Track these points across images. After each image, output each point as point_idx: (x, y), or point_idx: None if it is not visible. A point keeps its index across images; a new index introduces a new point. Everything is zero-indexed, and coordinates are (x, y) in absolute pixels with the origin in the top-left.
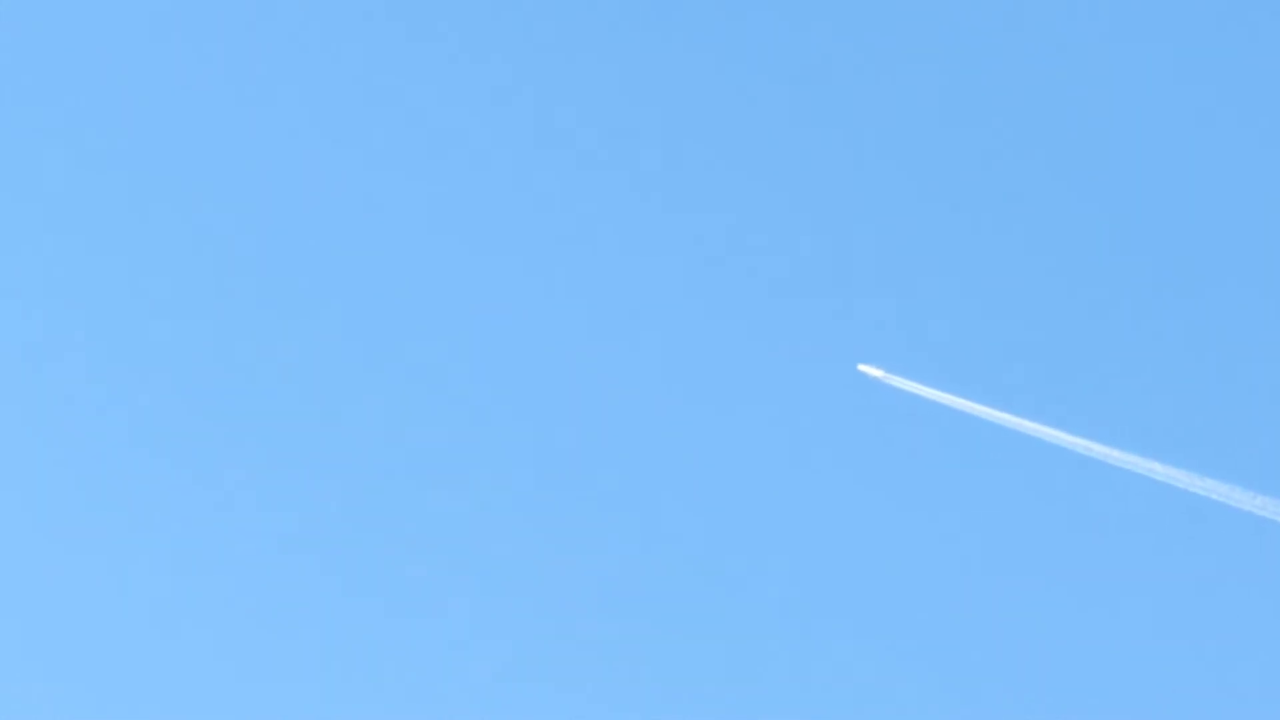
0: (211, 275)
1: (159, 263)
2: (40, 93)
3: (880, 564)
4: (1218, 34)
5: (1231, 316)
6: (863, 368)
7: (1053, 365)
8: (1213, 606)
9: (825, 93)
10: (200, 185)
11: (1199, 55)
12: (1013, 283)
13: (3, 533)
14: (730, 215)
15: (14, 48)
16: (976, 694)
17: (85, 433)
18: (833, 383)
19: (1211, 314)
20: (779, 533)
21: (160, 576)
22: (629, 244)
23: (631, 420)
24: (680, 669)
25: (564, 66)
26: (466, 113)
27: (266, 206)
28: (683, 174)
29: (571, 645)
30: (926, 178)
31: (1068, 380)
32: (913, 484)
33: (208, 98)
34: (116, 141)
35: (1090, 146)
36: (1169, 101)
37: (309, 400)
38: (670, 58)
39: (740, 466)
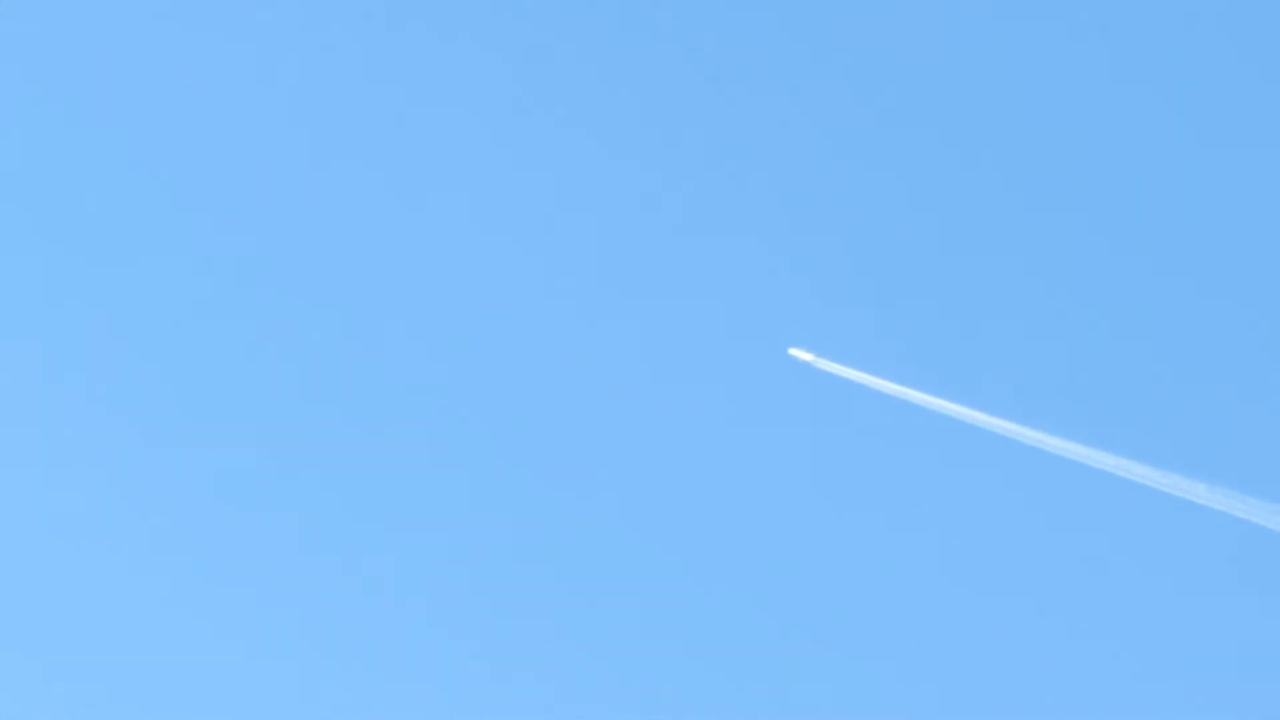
0: (210, 274)
1: (157, 262)
2: (41, 92)
3: (810, 548)
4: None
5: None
6: (793, 351)
7: (982, 349)
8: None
9: (767, 83)
10: (198, 184)
11: (1128, 57)
12: (949, 266)
13: (6, 530)
14: (663, 198)
15: (14, 47)
16: (897, 682)
17: (88, 430)
18: (763, 366)
19: (1148, 292)
20: (704, 516)
21: (160, 575)
22: (555, 226)
23: (556, 402)
24: (626, 658)
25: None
26: (461, 112)
27: (264, 206)
28: (618, 160)
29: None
30: (858, 160)
31: (995, 364)
32: (844, 468)
33: (206, 97)
34: (114, 141)
35: (1031, 132)
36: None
37: (308, 397)
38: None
39: (667, 450)
